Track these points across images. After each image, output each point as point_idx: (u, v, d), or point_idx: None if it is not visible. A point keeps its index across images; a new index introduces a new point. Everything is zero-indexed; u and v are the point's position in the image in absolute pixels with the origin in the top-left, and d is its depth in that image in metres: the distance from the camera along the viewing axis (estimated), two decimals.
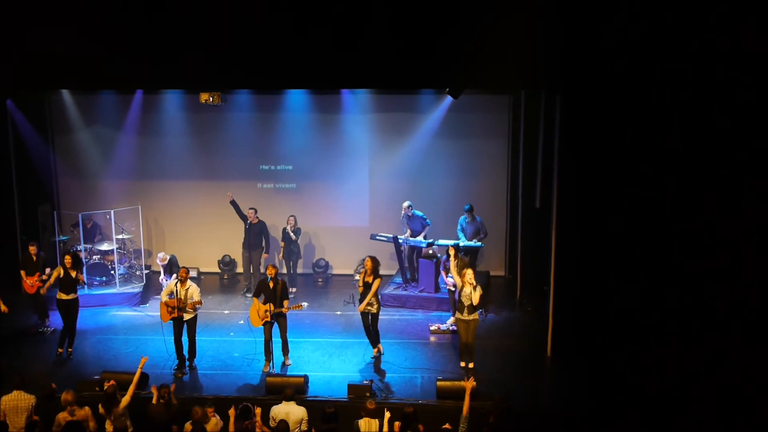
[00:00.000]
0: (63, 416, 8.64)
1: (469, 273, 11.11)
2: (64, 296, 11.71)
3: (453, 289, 12.63)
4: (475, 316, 11.10)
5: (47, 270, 12.56)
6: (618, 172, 10.70)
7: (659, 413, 9.55)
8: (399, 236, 14.20)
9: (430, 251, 13.97)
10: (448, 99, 14.30)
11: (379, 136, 15.52)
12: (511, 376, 10.88)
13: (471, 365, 11.17)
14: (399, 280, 14.48)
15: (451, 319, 12.77)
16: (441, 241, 13.96)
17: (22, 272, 13.06)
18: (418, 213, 14.20)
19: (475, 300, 10.94)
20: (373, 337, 11.57)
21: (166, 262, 13.80)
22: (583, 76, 10.38)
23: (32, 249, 13.04)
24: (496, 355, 11.67)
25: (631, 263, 10.80)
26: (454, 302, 12.74)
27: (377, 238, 14.48)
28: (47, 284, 12.03)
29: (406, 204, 14.20)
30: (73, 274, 11.71)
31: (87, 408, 8.85)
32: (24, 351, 12.02)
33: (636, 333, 10.76)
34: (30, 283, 12.85)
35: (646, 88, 10.19)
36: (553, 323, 11.65)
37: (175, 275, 11.64)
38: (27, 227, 15.00)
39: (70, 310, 11.76)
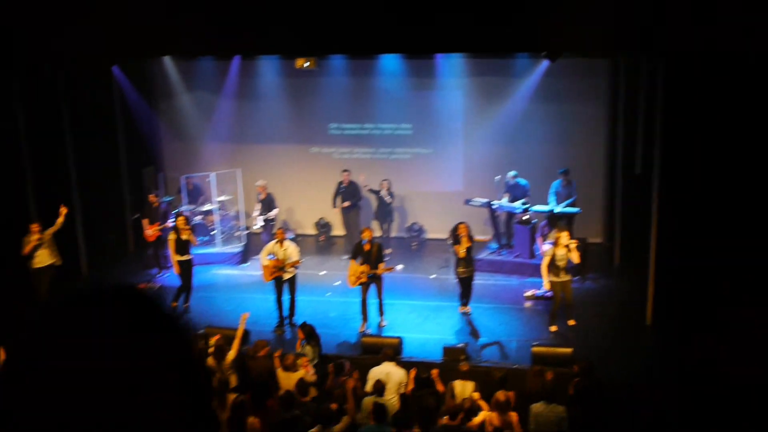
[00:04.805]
0: None
1: (564, 235, 11.01)
2: (179, 257, 12.17)
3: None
4: (569, 276, 11.03)
5: (168, 221, 13.08)
6: (724, 138, 10.31)
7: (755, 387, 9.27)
8: (494, 201, 14.11)
9: (525, 217, 13.83)
10: (545, 63, 14.01)
11: (474, 100, 15.39)
12: (608, 343, 10.74)
13: (572, 322, 11.14)
14: (494, 245, 14.42)
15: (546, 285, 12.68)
16: (536, 207, 13.80)
17: (144, 221, 13.75)
18: (522, 182, 14.04)
19: (575, 258, 10.85)
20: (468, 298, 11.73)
21: (266, 188, 14.48)
22: (688, 38, 9.97)
23: (152, 198, 13.75)
24: (592, 322, 11.53)
25: (735, 233, 10.43)
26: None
27: (471, 203, 14.42)
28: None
29: (511, 174, 14.05)
30: (185, 235, 12.11)
31: None
32: None
33: (736, 304, 10.43)
34: (150, 232, 13.48)
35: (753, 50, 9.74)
36: (652, 291, 11.41)
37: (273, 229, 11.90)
38: (133, 189, 15.64)
39: (185, 270, 12.22)
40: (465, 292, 11.80)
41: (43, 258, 11.70)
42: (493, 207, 14.11)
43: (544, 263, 11.51)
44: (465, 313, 11.77)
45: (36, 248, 11.55)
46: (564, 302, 11.19)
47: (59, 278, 11.89)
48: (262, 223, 14.75)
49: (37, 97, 12.73)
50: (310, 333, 10.00)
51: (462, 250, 11.38)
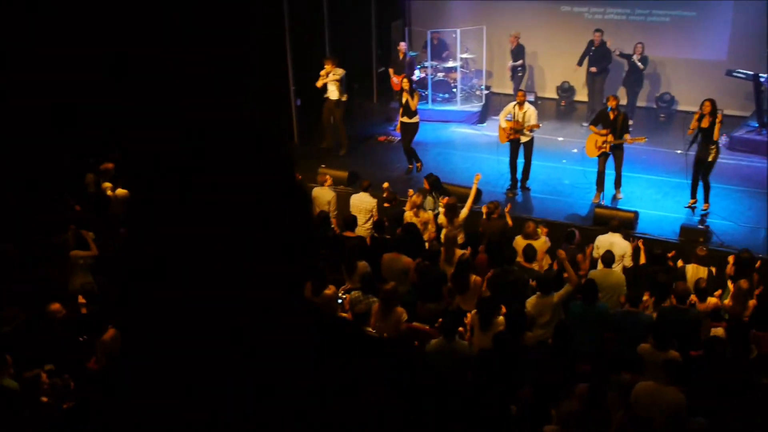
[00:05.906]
0: (409, 215, 9.50)
1: None
2: (401, 118, 12.21)
3: None
4: None
5: (415, 72, 13.34)
6: None
7: None
8: (761, 74, 12.69)
9: None
10: None
11: None
12: None
13: None
14: (753, 123, 13.12)
15: None
16: None
17: (390, 70, 14.67)
18: None
19: None
20: (705, 188, 10.58)
21: (518, 37, 14.63)
22: None
23: (401, 47, 14.61)
24: None
25: None
26: None
27: (735, 74, 13.09)
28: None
29: None
30: (405, 96, 11.97)
31: (430, 213, 9.62)
32: (372, 158, 13.21)
33: None
34: (396, 80, 14.06)
35: None
36: None
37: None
38: (381, 42, 16.02)
39: (404, 132, 12.24)
40: (695, 178, 10.56)
41: (331, 93, 12.93)
42: (761, 80, 12.72)
43: None
44: (691, 207, 10.73)
45: (325, 84, 12.81)
46: None
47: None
48: (511, 73, 14.79)
49: None
50: (434, 184, 10.03)
51: (694, 125, 10.37)
